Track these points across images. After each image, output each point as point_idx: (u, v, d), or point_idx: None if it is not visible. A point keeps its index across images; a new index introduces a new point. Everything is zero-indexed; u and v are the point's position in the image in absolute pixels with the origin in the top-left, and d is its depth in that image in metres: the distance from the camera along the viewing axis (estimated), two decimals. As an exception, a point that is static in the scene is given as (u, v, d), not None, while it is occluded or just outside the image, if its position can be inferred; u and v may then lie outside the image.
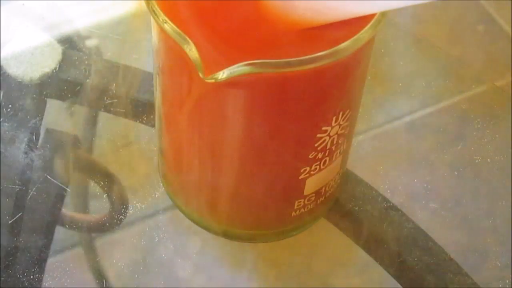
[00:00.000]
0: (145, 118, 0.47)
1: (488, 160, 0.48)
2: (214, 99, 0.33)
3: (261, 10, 0.32)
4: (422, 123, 0.51)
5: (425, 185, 0.47)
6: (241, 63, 0.29)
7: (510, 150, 0.48)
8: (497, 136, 0.49)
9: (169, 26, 0.30)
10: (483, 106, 0.51)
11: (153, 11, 0.31)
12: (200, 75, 0.29)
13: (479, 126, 0.49)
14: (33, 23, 0.53)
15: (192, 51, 0.30)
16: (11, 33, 0.52)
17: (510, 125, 0.49)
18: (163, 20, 0.31)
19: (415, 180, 0.47)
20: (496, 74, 1.11)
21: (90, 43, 0.53)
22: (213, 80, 0.29)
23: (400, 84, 0.52)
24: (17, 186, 0.44)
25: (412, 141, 0.51)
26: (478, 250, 0.45)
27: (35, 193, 0.44)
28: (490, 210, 0.47)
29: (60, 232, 0.45)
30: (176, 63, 0.33)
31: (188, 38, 0.30)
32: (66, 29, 0.53)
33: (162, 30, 0.31)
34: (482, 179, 0.48)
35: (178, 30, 0.30)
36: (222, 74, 0.29)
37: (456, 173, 0.48)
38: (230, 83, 0.30)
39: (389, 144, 0.50)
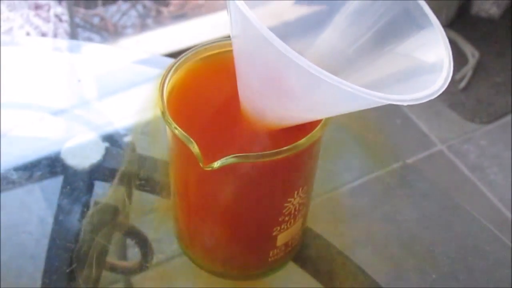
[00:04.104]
0: (164, 193, 0.47)
1: (407, 217, 0.48)
2: (211, 181, 0.33)
3: (242, 118, 0.32)
4: (358, 190, 0.51)
5: (362, 235, 0.47)
6: (229, 156, 0.29)
7: (420, 211, 0.48)
8: (410, 200, 0.50)
9: (178, 131, 0.30)
10: (400, 179, 0.51)
11: (167, 121, 0.31)
12: (201, 165, 0.29)
13: (399, 192, 0.50)
14: (84, 126, 0.53)
15: (194, 148, 0.30)
16: (70, 134, 0.52)
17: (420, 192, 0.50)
18: (174, 127, 0.31)
19: (356, 231, 0.47)
20: (409, 153, 1.12)
21: (126, 139, 0.53)
22: (210, 168, 0.29)
23: (340, 162, 0.52)
24: (72, 244, 0.44)
25: (352, 203, 0.50)
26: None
27: (85, 249, 0.43)
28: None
29: (105, 275, 0.44)
30: (184, 156, 0.33)
31: (192, 139, 0.30)
32: (109, 129, 0.53)
33: (173, 134, 0.31)
34: (402, 229, 0.48)
35: (185, 134, 0.30)
36: (216, 164, 0.29)
37: (384, 225, 0.48)
38: (222, 169, 0.30)
39: (337, 205, 0.50)
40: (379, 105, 0.25)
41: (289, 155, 0.30)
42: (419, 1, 0.29)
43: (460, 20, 1.33)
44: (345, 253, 0.45)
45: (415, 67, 0.28)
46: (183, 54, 0.34)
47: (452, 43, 0.28)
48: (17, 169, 0.49)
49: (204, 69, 0.35)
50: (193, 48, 0.34)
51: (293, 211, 0.35)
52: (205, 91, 0.34)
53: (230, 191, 0.34)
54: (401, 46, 0.29)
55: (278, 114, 0.30)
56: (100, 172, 0.48)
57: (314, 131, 0.31)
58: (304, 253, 0.43)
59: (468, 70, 1.25)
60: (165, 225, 0.45)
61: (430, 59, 0.28)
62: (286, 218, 0.35)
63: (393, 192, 0.50)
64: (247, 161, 0.30)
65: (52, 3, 0.76)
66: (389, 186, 0.50)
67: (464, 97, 1.21)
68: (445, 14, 1.29)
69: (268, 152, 0.30)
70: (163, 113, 0.31)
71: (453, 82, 1.22)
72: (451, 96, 1.21)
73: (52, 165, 0.49)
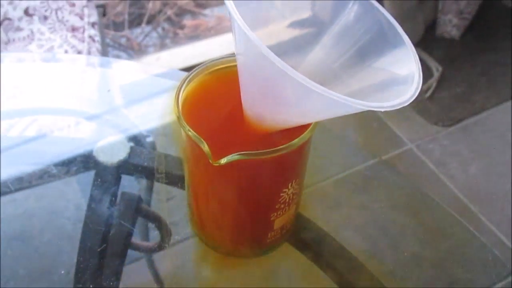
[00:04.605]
0: (179, 185, 0.47)
1: (382, 204, 0.48)
2: (218, 175, 0.33)
3: (245, 122, 0.32)
4: (341, 182, 0.51)
5: (344, 219, 0.47)
6: (234, 154, 0.29)
7: (393, 199, 0.48)
8: (385, 191, 0.49)
9: (191, 133, 0.30)
10: (376, 172, 0.51)
11: (182, 124, 0.31)
12: (210, 161, 0.29)
13: (375, 183, 0.50)
14: (113, 129, 0.53)
15: (205, 147, 0.29)
16: (101, 136, 0.52)
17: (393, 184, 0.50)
18: (188, 129, 0.30)
19: (340, 216, 0.47)
20: (383, 151, 1.12)
21: (148, 140, 0.53)
22: (218, 164, 0.29)
23: (326, 159, 0.52)
24: (103, 228, 0.43)
25: (336, 192, 0.50)
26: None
27: (114, 231, 0.43)
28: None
29: (130, 253, 0.44)
30: (196, 154, 0.33)
31: (202, 140, 0.30)
32: (134, 132, 0.53)
33: (187, 135, 0.31)
34: (378, 215, 0.47)
35: (197, 135, 0.30)
36: (223, 160, 0.29)
37: (363, 211, 0.47)
38: (228, 165, 0.29)
39: (324, 194, 0.49)
40: (360, 111, 0.25)
41: (284, 153, 0.30)
42: (394, 24, 0.29)
43: (426, 40, 1.33)
44: (331, 235, 0.44)
45: (390, 79, 0.28)
46: (195, 69, 0.34)
47: (420, 59, 0.29)
48: (56, 165, 0.48)
49: (212, 81, 0.34)
50: (203, 64, 0.34)
51: (287, 200, 0.35)
52: (214, 99, 0.34)
53: (235, 183, 0.34)
54: (379, 62, 0.29)
55: (275, 118, 0.30)
56: (126, 167, 0.48)
57: (305, 132, 0.31)
58: (297, 234, 0.43)
59: (433, 81, 1.24)
60: (181, 211, 0.45)
61: (402, 73, 0.28)
62: (282, 206, 0.35)
63: (370, 184, 0.50)
64: (249, 158, 0.30)
65: (86, 26, 0.76)
66: (367, 179, 0.50)
67: (430, 104, 1.21)
68: (414, 35, 1.29)
69: (266, 150, 0.30)
70: (178, 117, 0.31)
71: (420, 92, 1.21)
72: (419, 103, 1.21)
73: (86, 162, 0.49)
